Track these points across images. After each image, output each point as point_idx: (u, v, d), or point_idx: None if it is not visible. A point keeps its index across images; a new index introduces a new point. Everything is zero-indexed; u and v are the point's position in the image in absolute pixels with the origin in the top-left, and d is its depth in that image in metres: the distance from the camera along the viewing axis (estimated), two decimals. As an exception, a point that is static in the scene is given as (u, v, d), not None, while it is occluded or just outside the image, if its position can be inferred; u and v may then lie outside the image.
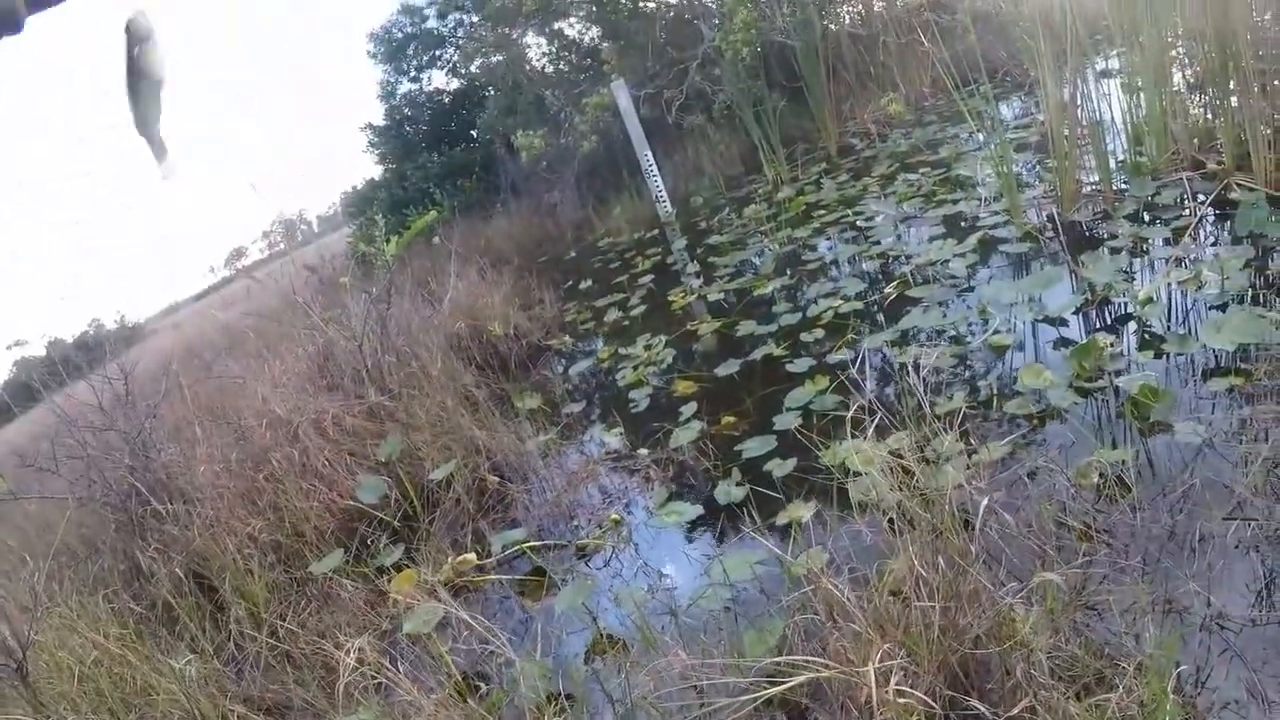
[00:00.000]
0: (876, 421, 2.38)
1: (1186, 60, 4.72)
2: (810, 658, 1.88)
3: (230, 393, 5.81)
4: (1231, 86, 3.97)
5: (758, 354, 4.23)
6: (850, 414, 2.43)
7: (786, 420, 3.40)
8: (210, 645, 3.25)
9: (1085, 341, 3.06)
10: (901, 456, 2.29)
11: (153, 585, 3.83)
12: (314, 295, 6.25)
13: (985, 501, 2.05)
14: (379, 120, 14.26)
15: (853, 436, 2.51)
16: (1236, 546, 2.07)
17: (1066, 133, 4.46)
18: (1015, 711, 1.71)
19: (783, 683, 1.88)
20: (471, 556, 3.33)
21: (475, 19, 12.34)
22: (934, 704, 1.75)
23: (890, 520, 2.18)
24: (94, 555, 4.49)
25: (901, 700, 1.71)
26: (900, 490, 2.19)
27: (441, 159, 12.89)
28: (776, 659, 2.00)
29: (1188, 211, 3.88)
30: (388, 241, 5.49)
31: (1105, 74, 5.06)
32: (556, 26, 11.61)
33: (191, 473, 4.50)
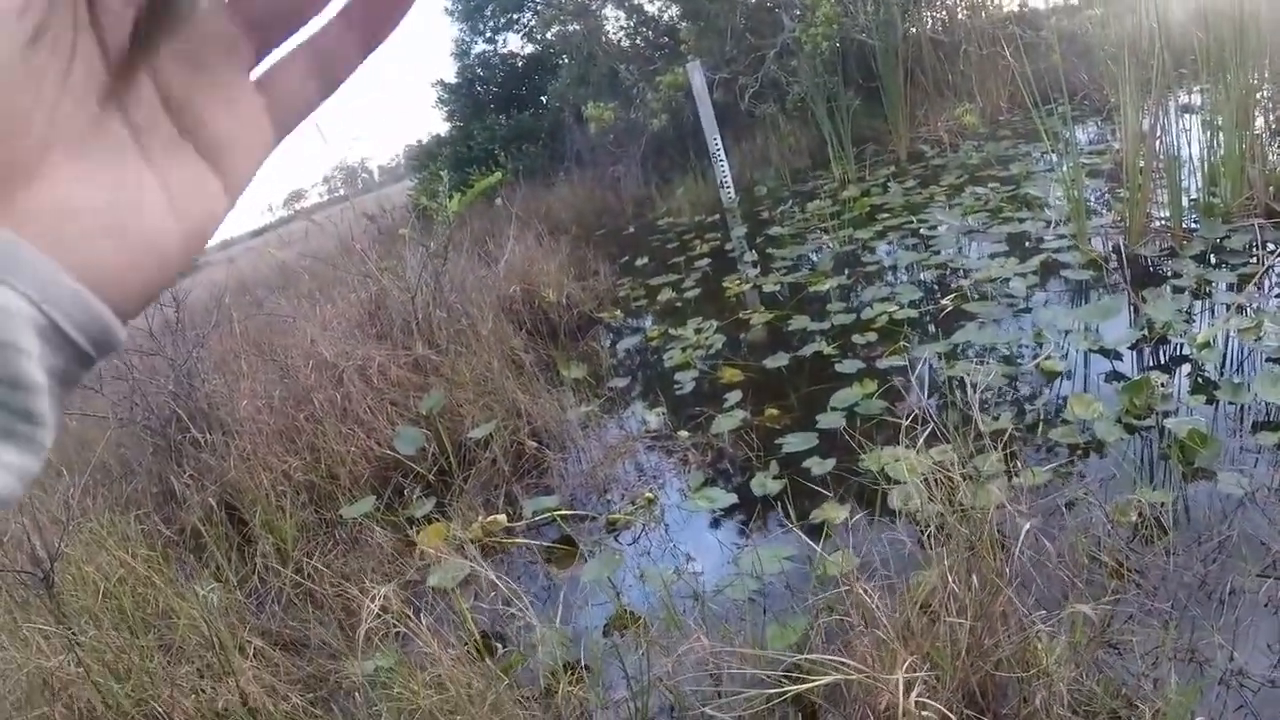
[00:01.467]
0: (928, 431, 2.38)
1: (1271, 105, 4.66)
2: (836, 658, 1.89)
3: (279, 331, 5.85)
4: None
5: (807, 350, 4.21)
6: (904, 421, 2.44)
7: (831, 419, 3.39)
8: (235, 576, 3.30)
9: (1138, 378, 3.03)
10: (945, 469, 2.28)
11: (184, 511, 3.88)
12: (371, 243, 6.29)
13: (1027, 526, 2.05)
14: (450, 78, 14.28)
15: (896, 444, 2.51)
16: (1266, 605, 2.05)
17: (1142, 164, 4.42)
18: (1030, 739, 1.72)
19: (808, 681, 1.89)
20: (502, 518, 3.35)
21: (555, -15, 12.30)
22: (957, 716, 1.75)
23: (927, 532, 2.17)
24: (129, 476, 4.54)
25: (922, 713, 1.71)
26: (940, 503, 2.18)
27: (509, 122, 12.90)
28: (799, 656, 2.01)
29: (1255, 259, 3.82)
30: (450, 198, 5.49)
31: (1186, 109, 4.98)
32: (636, 1, 11.58)
33: (233, 405, 4.55)
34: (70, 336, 0.33)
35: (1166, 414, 2.86)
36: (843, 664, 1.86)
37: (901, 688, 1.72)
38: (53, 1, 0.33)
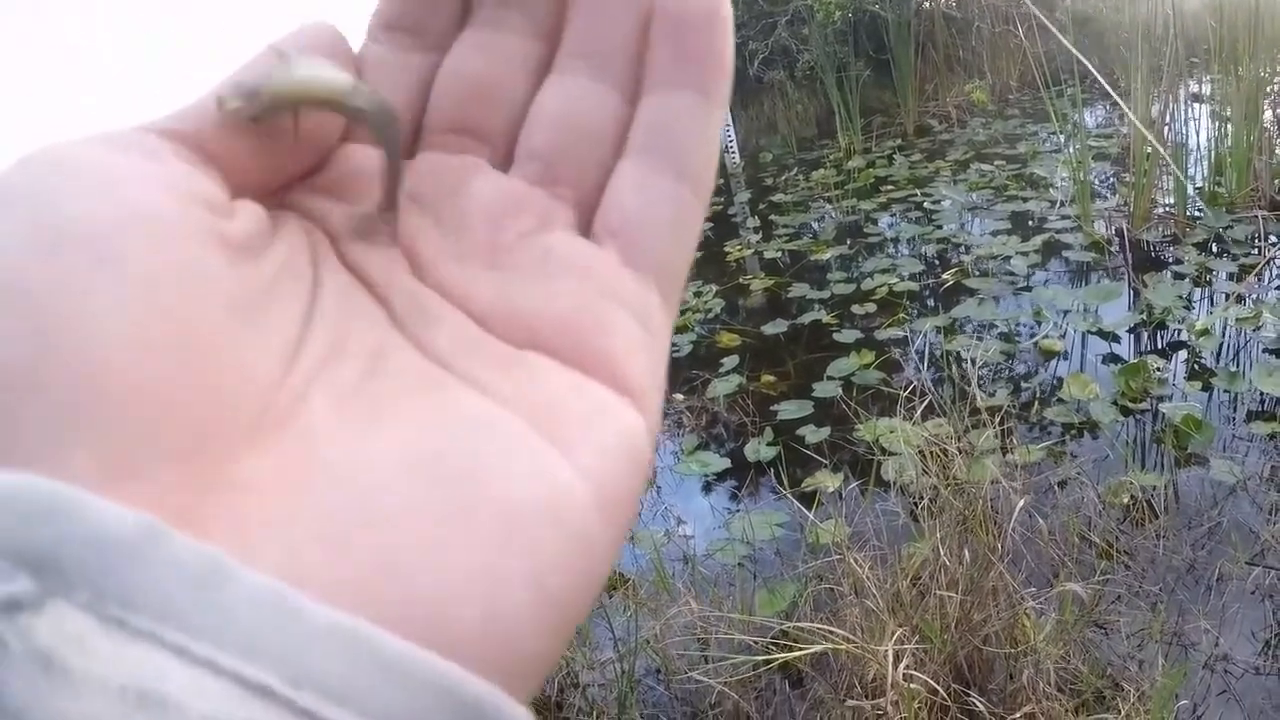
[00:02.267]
0: (925, 404, 2.38)
1: (1280, 98, 4.66)
2: (826, 627, 1.89)
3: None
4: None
5: (806, 318, 4.20)
6: (903, 393, 2.44)
7: (827, 389, 3.38)
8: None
9: (1135, 361, 3.04)
10: (942, 443, 2.29)
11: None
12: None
13: (1021, 502, 2.05)
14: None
15: (892, 415, 2.51)
16: (1253, 592, 2.06)
17: (1149, 150, 4.41)
18: (1016, 716, 1.72)
19: (800, 648, 1.90)
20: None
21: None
22: (945, 694, 1.76)
23: (919, 504, 2.18)
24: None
25: (910, 685, 1.72)
26: (935, 476, 2.19)
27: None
28: (788, 624, 2.02)
29: (1257, 250, 3.82)
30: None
31: (1196, 98, 4.97)
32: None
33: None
34: None
35: (1162, 398, 2.87)
36: (832, 633, 1.87)
37: (890, 659, 1.72)
38: (277, 228, 0.26)
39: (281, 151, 0.27)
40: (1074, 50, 3.59)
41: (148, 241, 0.21)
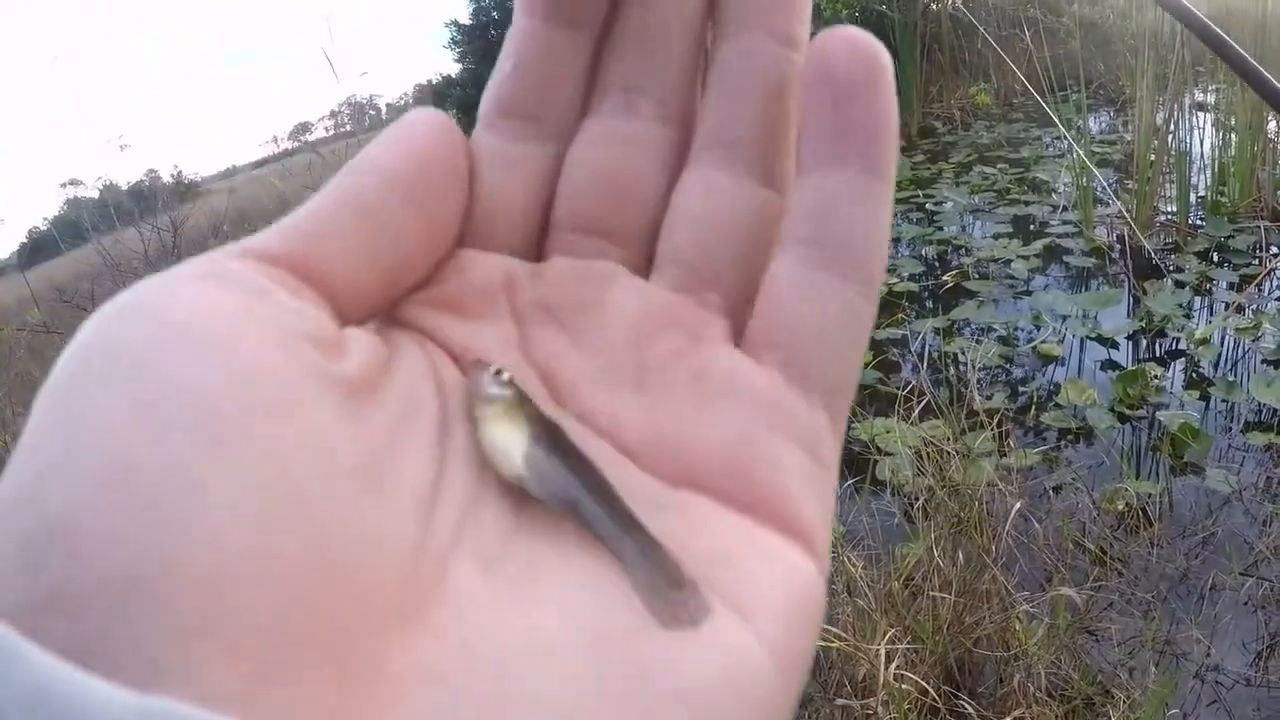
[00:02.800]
0: (923, 405, 2.38)
1: (1286, 108, 4.64)
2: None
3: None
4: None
5: (803, 315, 4.20)
6: (901, 393, 2.44)
7: (822, 387, 3.37)
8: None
9: (1134, 368, 3.03)
10: (938, 444, 2.28)
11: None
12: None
13: (1017, 505, 2.05)
14: (464, 18, 14.17)
15: (888, 415, 2.51)
16: (1246, 603, 2.06)
17: (1153, 157, 4.41)
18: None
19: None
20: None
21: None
22: (935, 695, 1.76)
23: (915, 504, 2.17)
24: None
25: (900, 686, 1.72)
26: (930, 477, 2.18)
27: (521, 69, 12.80)
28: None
29: (1258, 261, 3.82)
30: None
31: (1200, 106, 4.97)
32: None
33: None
34: None
35: (1159, 406, 2.86)
36: (825, 628, 1.86)
37: (882, 657, 1.72)
38: (393, 351, 0.25)
39: (391, 265, 0.25)
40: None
41: (264, 413, 0.19)
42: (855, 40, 0.24)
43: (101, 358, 0.19)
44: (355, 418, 0.21)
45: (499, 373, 0.25)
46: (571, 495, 0.23)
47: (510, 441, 0.23)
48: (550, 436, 0.24)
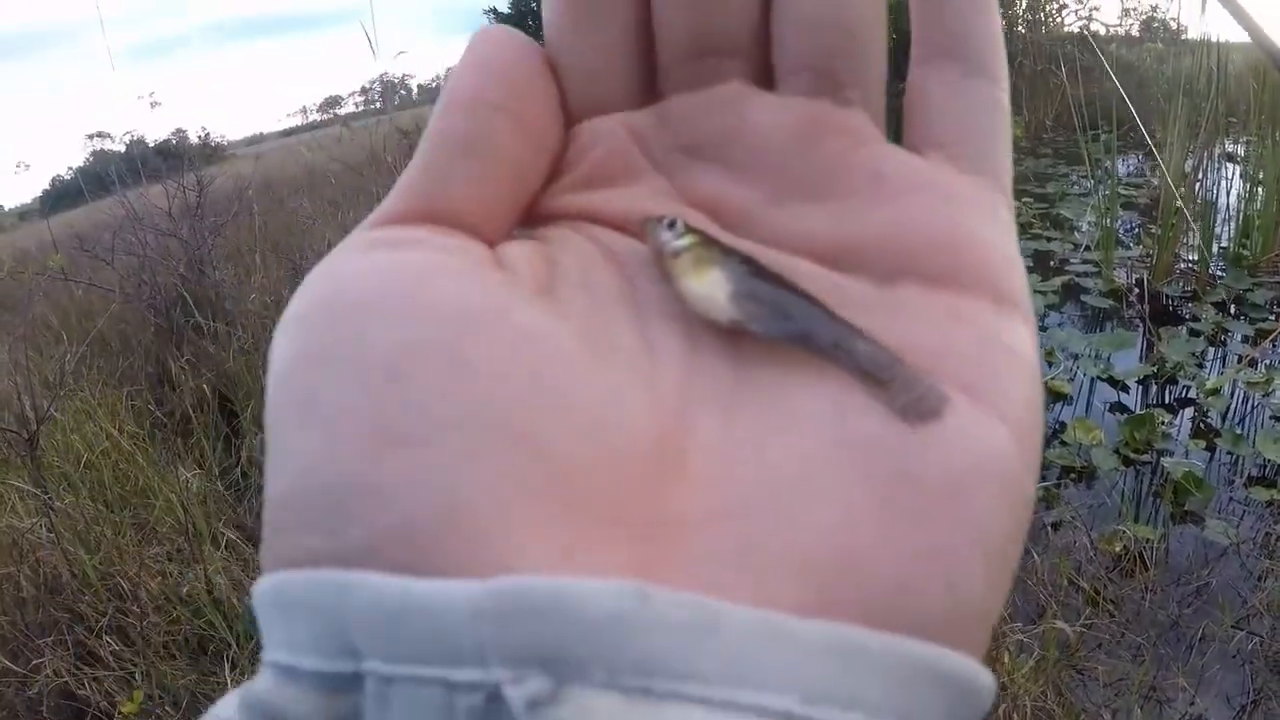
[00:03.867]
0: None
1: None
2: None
3: (297, 231, 5.83)
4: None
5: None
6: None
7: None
8: (218, 466, 3.29)
9: (1142, 412, 3.03)
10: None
11: (177, 395, 3.88)
12: (401, 158, 6.25)
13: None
14: (504, 7, 14.21)
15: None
16: (1234, 656, 2.06)
17: (1178, 204, 4.40)
18: (989, 750, 1.72)
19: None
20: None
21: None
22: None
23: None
24: (127, 352, 4.53)
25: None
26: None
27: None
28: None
29: (1275, 316, 3.82)
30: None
31: (1230, 157, 4.96)
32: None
33: (241, 297, 4.54)
34: None
35: (1164, 453, 2.86)
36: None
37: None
38: (554, 247, 0.26)
39: (514, 185, 0.26)
40: (1121, 94, 3.56)
41: (488, 339, 0.21)
42: None
43: (329, 342, 0.21)
44: (557, 312, 0.22)
45: (672, 224, 0.25)
46: (787, 323, 0.23)
47: (712, 287, 0.24)
48: (748, 270, 0.24)
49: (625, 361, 0.22)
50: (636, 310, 0.24)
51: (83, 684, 2.20)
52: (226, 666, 2.14)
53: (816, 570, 0.19)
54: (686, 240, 0.24)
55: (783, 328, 0.23)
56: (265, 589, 0.19)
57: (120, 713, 2.11)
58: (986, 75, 0.26)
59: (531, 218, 0.27)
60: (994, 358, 0.23)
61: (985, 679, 0.20)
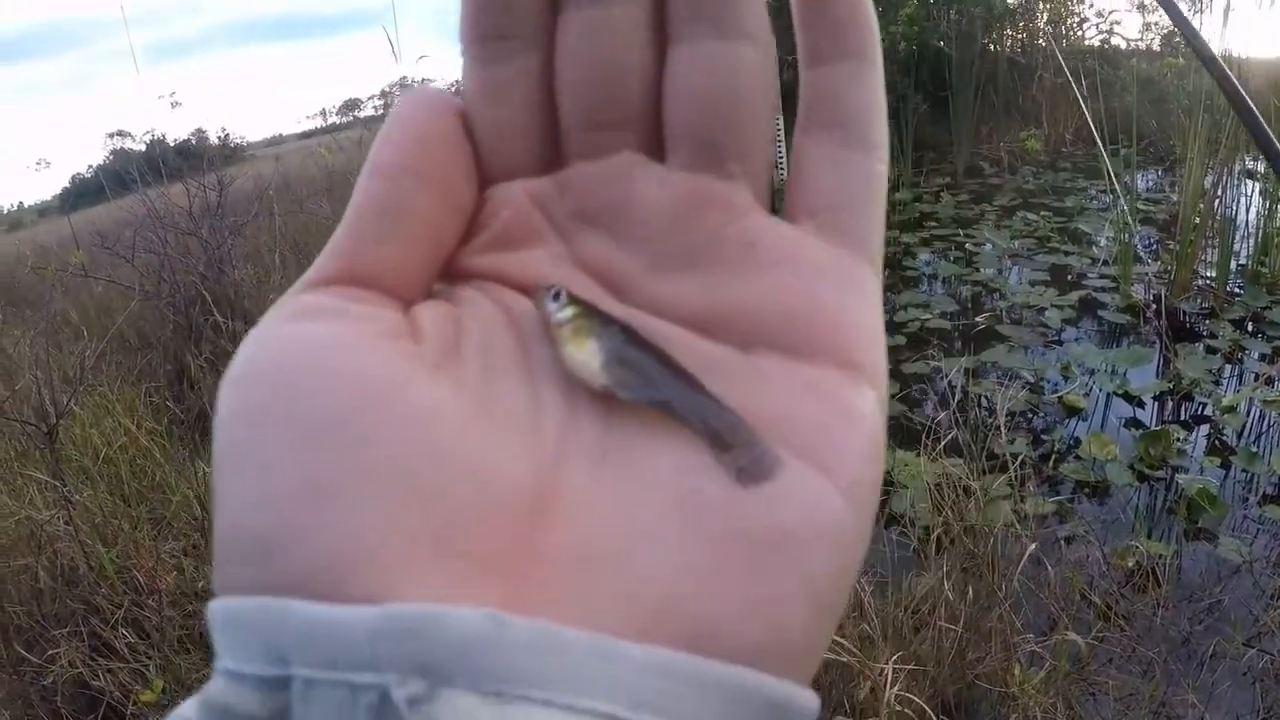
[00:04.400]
0: (946, 440, 2.39)
1: (1337, 183, 4.63)
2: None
3: (317, 232, 5.84)
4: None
5: (834, 344, 4.20)
6: (930, 425, 2.45)
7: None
8: (235, 465, 3.30)
9: (1157, 428, 3.03)
10: (958, 482, 2.29)
11: (194, 393, 3.89)
12: (421, 162, 6.25)
13: (1032, 547, 2.06)
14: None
15: (909, 449, 2.51)
16: (1245, 674, 2.06)
17: (1197, 220, 4.39)
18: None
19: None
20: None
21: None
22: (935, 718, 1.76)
23: (931, 537, 2.17)
24: (145, 349, 4.56)
25: (901, 710, 1.72)
26: (948, 512, 2.19)
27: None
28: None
29: (1293, 334, 3.82)
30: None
31: (1250, 174, 4.94)
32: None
33: (260, 297, 4.55)
34: None
35: (1179, 469, 2.86)
36: (838, 642, 1.86)
37: (889, 676, 1.73)
38: (460, 306, 0.29)
39: (428, 243, 0.29)
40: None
41: (385, 408, 0.24)
42: None
43: (256, 404, 0.25)
44: (451, 380, 0.26)
45: (557, 295, 0.28)
46: (649, 390, 0.26)
47: (588, 356, 0.26)
48: (623, 339, 0.27)
49: (511, 422, 0.26)
50: (527, 372, 0.27)
51: (97, 675, 2.21)
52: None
53: (651, 608, 0.22)
54: (568, 312, 0.27)
55: (645, 394, 0.26)
56: (216, 609, 0.23)
57: (139, 701, 2.13)
58: (864, 146, 0.28)
59: (449, 272, 0.30)
60: (834, 424, 0.25)
61: (804, 700, 0.23)
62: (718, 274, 0.28)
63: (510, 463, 0.25)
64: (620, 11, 0.28)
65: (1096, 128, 4.77)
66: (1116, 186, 4.85)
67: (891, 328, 4.26)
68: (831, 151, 0.29)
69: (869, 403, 0.26)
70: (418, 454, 0.24)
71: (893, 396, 3.45)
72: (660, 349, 0.27)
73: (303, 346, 0.25)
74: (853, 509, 0.24)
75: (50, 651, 2.26)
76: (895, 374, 3.71)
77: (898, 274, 5.04)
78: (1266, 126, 1.15)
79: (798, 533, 0.24)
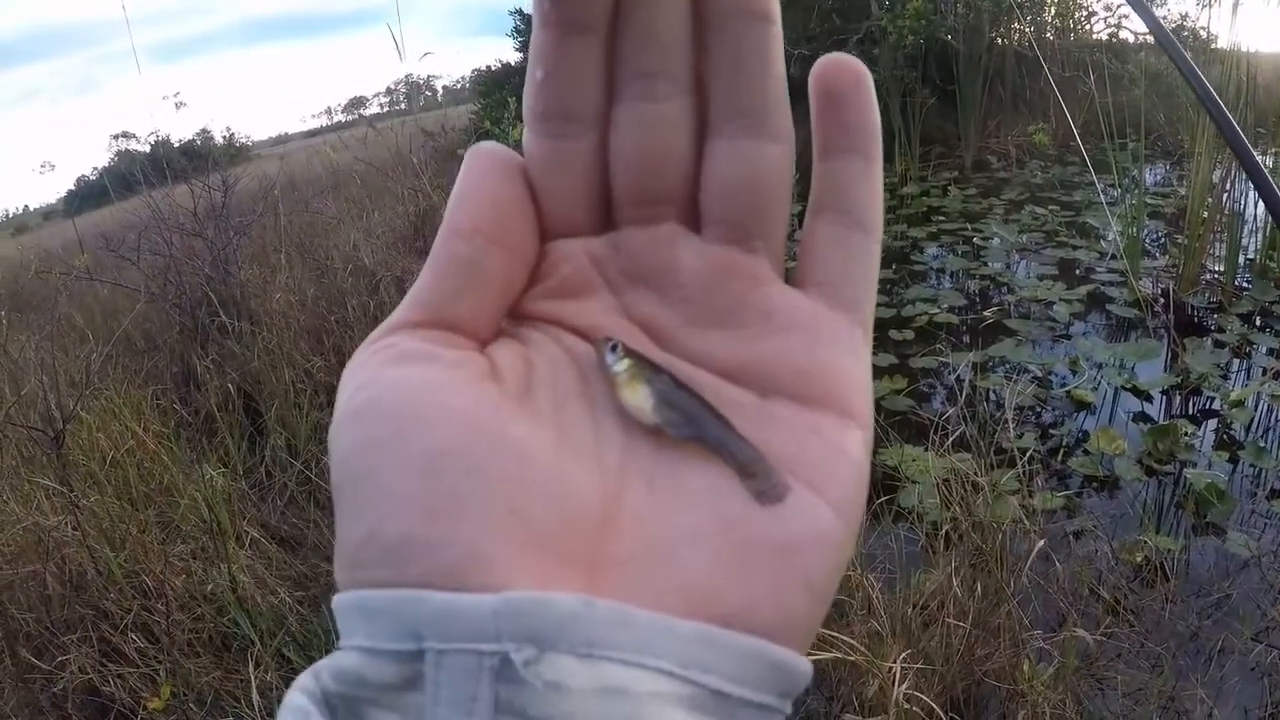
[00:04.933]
0: (955, 436, 2.38)
1: (1345, 176, 4.61)
2: (833, 632, 1.89)
3: (322, 231, 5.85)
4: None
5: (843, 339, 4.20)
6: (937, 420, 2.44)
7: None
8: (242, 465, 3.31)
9: (1166, 423, 3.02)
10: (966, 477, 2.28)
11: (201, 394, 3.90)
12: (427, 159, 6.27)
13: (1041, 543, 2.06)
14: (529, 8, 14.15)
15: (917, 445, 2.51)
16: (1253, 669, 2.05)
17: (1205, 214, 4.38)
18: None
19: (811, 655, 1.90)
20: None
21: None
22: (945, 718, 1.76)
23: (940, 533, 2.16)
24: (152, 352, 4.56)
25: (910, 707, 1.72)
26: (956, 507, 2.18)
27: (581, 63, 12.81)
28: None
29: (1302, 328, 3.80)
30: (513, 126, 5.48)
31: (1259, 167, 4.92)
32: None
33: (266, 297, 4.57)
34: (744, 698, 0.29)
35: (1187, 464, 2.85)
36: (838, 639, 1.86)
37: (898, 674, 1.73)
38: (527, 347, 0.35)
39: (501, 292, 0.35)
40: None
41: (492, 443, 0.30)
42: (845, 64, 0.33)
43: (378, 437, 0.30)
44: (533, 414, 0.32)
45: (614, 347, 0.34)
46: (691, 430, 0.32)
47: (641, 400, 0.33)
48: (669, 386, 0.33)
49: (583, 450, 0.32)
50: (590, 405, 0.34)
51: (107, 680, 2.22)
52: (250, 664, 2.15)
53: (691, 596, 0.29)
54: (625, 363, 0.33)
55: (688, 431, 0.32)
56: (350, 600, 0.29)
57: (147, 709, 2.13)
58: (863, 229, 0.34)
59: (513, 314, 0.36)
60: (832, 461, 0.32)
61: (802, 665, 0.30)
62: (742, 333, 0.34)
63: (585, 484, 0.31)
64: (669, 108, 0.34)
65: (1104, 122, 4.76)
66: (1124, 181, 4.84)
67: (899, 322, 4.28)
68: (837, 233, 0.34)
69: (858, 443, 0.33)
70: (516, 479, 0.30)
71: (900, 392, 3.47)
72: (698, 394, 0.33)
73: (412, 389, 0.31)
74: (843, 523, 0.32)
75: (60, 658, 2.27)
76: (903, 369, 3.73)
77: (905, 268, 5.04)
78: (1235, 123, 1.14)
79: (801, 542, 0.30)
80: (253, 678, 2.11)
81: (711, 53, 0.33)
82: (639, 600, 0.29)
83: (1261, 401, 3.24)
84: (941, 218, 5.91)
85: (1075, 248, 5.01)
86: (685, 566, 0.30)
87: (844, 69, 0.33)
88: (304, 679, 0.29)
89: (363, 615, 0.28)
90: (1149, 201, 5.27)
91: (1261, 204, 4.19)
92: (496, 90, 12.37)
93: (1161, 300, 4.03)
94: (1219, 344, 3.70)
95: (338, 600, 0.30)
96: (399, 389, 0.31)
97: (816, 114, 0.34)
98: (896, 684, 1.72)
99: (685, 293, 0.35)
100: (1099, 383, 3.47)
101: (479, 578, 0.28)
